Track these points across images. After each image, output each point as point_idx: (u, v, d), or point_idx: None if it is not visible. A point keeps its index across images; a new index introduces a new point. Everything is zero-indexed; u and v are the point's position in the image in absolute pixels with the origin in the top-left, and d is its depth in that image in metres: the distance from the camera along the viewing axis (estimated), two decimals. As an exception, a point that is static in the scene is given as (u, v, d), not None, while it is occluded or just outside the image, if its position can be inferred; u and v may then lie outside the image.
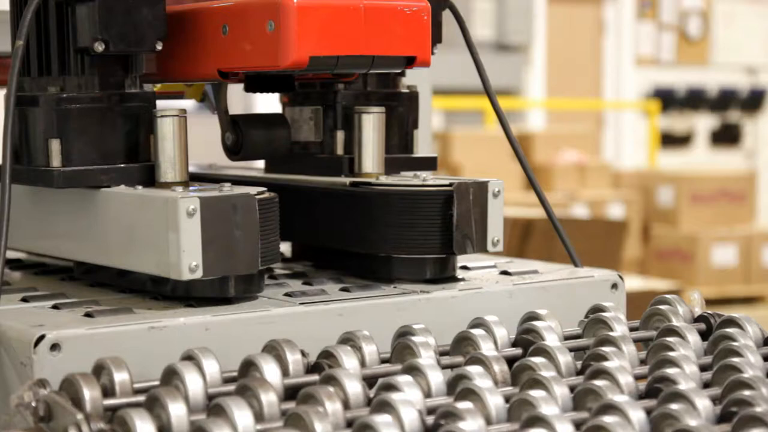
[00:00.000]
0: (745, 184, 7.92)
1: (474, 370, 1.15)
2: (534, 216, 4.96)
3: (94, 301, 1.35)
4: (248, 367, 1.17)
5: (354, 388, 1.11)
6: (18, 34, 1.34)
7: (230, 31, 1.39)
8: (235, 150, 1.58)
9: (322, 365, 1.20)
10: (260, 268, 1.34)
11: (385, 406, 1.05)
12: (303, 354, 1.22)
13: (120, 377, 1.12)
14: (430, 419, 1.06)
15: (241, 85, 1.53)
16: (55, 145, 1.37)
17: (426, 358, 1.20)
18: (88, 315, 1.28)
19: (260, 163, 1.76)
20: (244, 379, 1.13)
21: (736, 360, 1.20)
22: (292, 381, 1.17)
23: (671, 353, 1.22)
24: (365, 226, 1.49)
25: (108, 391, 1.11)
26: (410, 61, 1.42)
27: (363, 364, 1.23)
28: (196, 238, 1.28)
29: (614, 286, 1.52)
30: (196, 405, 1.10)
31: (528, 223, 4.91)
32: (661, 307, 1.40)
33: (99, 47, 1.35)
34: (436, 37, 1.54)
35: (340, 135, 1.60)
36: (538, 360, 1.20)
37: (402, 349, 1.25)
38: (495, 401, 1.08)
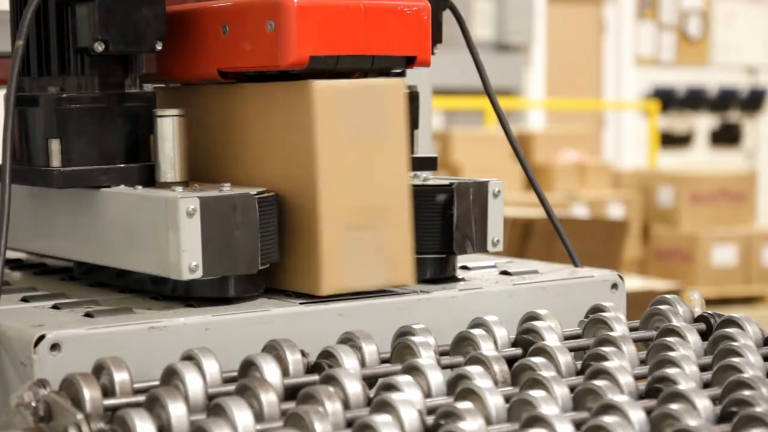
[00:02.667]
0: (745, 184, 7.92)
1: (474, 370, 1.15)
2: (534, 216, 4.96)
3: (94, 301, 1.35)
4: (248, 367, 1.17)
5: (354, 388, 1.11)
6: (18, 34, 1.34)
7: (230, 31, 1.39)
8: None
9: (322, 365, 1.20)
10: (260, 268, 1.34)
11: (385, 406, 1.05)
12: (303, 354, 1.22)
13: (120, 377, 1.12)
14: (430, 419, 1.06)
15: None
16: (55, 145, 1.37)
17: (426, 358, 1.20)
18: (88, 315, 1.28)
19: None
20: (244, 379, 1.13)
21: (736, 360, 1.20)
22: (292, 381, 1.17)
23: (671, 353, 1.22)
24: (365, 226, 1.48)
25: (108, 391, 1.11)
26: (410, 61, 1.42)
27: (363, 364, 1.23)
28: (196, 238, 1.28)
29: (614, 286, 1.52)
30: (196, 405, 1.10)
31: (528, 223, 4.91)
32: (661, 307, 1.40)
33: (99, 47, 1.35)
34: (436, 37, 1.54)
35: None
36: (538, 360, 1.20)
37: (402, 349, 1.25)
38: (495, 401, 1.08)
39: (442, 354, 1.28)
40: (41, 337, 1.18)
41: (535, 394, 1.07)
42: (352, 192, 1.34)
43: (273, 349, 1.22)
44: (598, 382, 1.11)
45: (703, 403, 1.09)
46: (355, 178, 1.34)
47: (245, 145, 1.43)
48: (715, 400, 1.11)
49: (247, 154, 1.43)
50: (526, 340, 1.29)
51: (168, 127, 1.37)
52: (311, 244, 1.33)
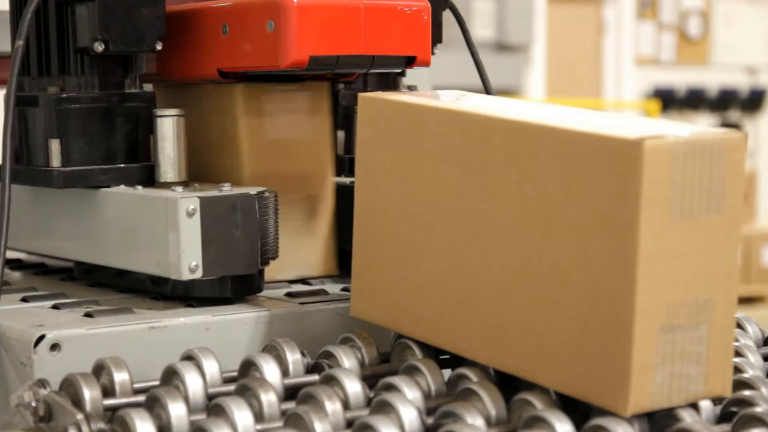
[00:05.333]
0: (745, 184, 7.91)
1: (474, 370, 1.15)
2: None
3: (94, 301, 1.35)
4: (248, 367, 1.17)
5: (354, 388, 1.11)
6: (18, 34, 1.34)
7: (230, 31, 1.39)
8: None
9: (322, 365, 1.20)
10: (260, 268, 1.34)
11: (385, 406, 1.05)
12: (303, 354, 1.22)
13: (120, 377, 1.12)
14: (430, 419, 1.06)
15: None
16: (55, 145, 1.37)
17: (426, 358, 1.20)
18: (88, 315, 1.28)
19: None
20: (244, 379, 1.13)
21: (736, 360, 1.19)
22: (292, 381, 1.17)
23: (671, 353, 1.21)
24: (365, 226, 1.48)
25: (108, 391, 1.11)
26: (410, 61, 1.42)
27: (363, 364, 1.23)
28: (196, 238, 1.28)
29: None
30: (196, 405, 1.10)
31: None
32: (662, 307, 1.38)
33: (99, 47, 1.35)
34: (436, 37, 1.54)
35: (340, 135, 1.59)
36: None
37: (402, 349, 1.25)
38: (495, 401, 1.07)
39: (442, 354, 1.27)
40: (41, 337, 1.18)
41: (536, 394, 1.07)
42: (672, 282, 1.03)
43: (273, 349, 1.22)
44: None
45: (703, 403, 1.09)
46: (678, 265, 1.03)
47: (496, 194, 1.13)
48: (715, 401, 1.11)
49: (500, 208, 1.13)
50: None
51: (168, 127, 1.37)
52: (615, 349, 1.02)
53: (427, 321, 1.22)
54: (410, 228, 1.23)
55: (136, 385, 1.13)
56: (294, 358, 1.21)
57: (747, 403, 1.09)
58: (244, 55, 1.38)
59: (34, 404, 1.09)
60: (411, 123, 1.23)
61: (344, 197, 1.51)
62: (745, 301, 7.44)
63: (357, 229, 1.29)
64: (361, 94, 1.28)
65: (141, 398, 1.09)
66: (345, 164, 1.58)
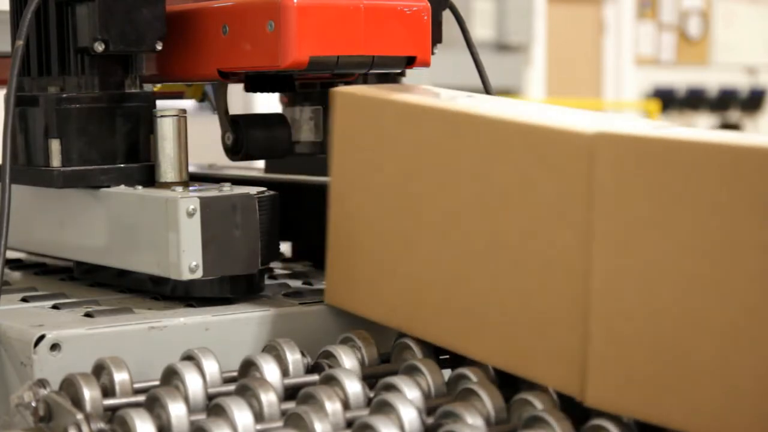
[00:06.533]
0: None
1: (474, 370, 1.15)
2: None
3: (94, 301, 1.36)
4: (248, 367, 1.17)
5: (354, 388, 1.11)
6: (18, 34, 1.34)
7: (230, 31, 1.39)
8: (235, 150, 1.58)
9: (322, 365, 1.20)
10: (260, 268, 1.34)
11: (385, 406, 1.05)
12: (303, 354, 1.22)
13: (120, 377, 1.12)
14: (430, 419, 1.06)
15: (241, 85, 1.53)
16: (55, 145, 1.37)
17: (426, 358, 1.20)
18: (88, 315, 1.28)
19: (260, 163, 1.76)
20: (244, 379, 1.13)
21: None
22: (292, 381, 1.17)
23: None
24: (365, 226, 1.48)
25: (108, 391, 1.11)
26: (410, 61, 1.42)
27: (363, 364, 1.24)
28: (196, 238, 1.28)
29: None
30: (196, 405, 1.10)
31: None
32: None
33: (99, 47, 1.35)
34: (436, 37, 1.54)
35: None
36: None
37: (402, 349, 1.25)
38: (495, 401, 1.08)
39: (442, 354, 1.27)
40: (41, 337, 1.18)
41: (535, 394, 1.07)
42: None
43: (273, 349, 1.22)
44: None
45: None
46: None
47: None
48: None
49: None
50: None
51: (168, 127, 1.37)
52: None
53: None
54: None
55: (136, 385, 1.13)
56: (294, 358, 1.21)
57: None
58: (244, 55, 1.38)
59: (34, 404, 1.09)
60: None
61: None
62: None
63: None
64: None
65: (141, 398, 1.09)
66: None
